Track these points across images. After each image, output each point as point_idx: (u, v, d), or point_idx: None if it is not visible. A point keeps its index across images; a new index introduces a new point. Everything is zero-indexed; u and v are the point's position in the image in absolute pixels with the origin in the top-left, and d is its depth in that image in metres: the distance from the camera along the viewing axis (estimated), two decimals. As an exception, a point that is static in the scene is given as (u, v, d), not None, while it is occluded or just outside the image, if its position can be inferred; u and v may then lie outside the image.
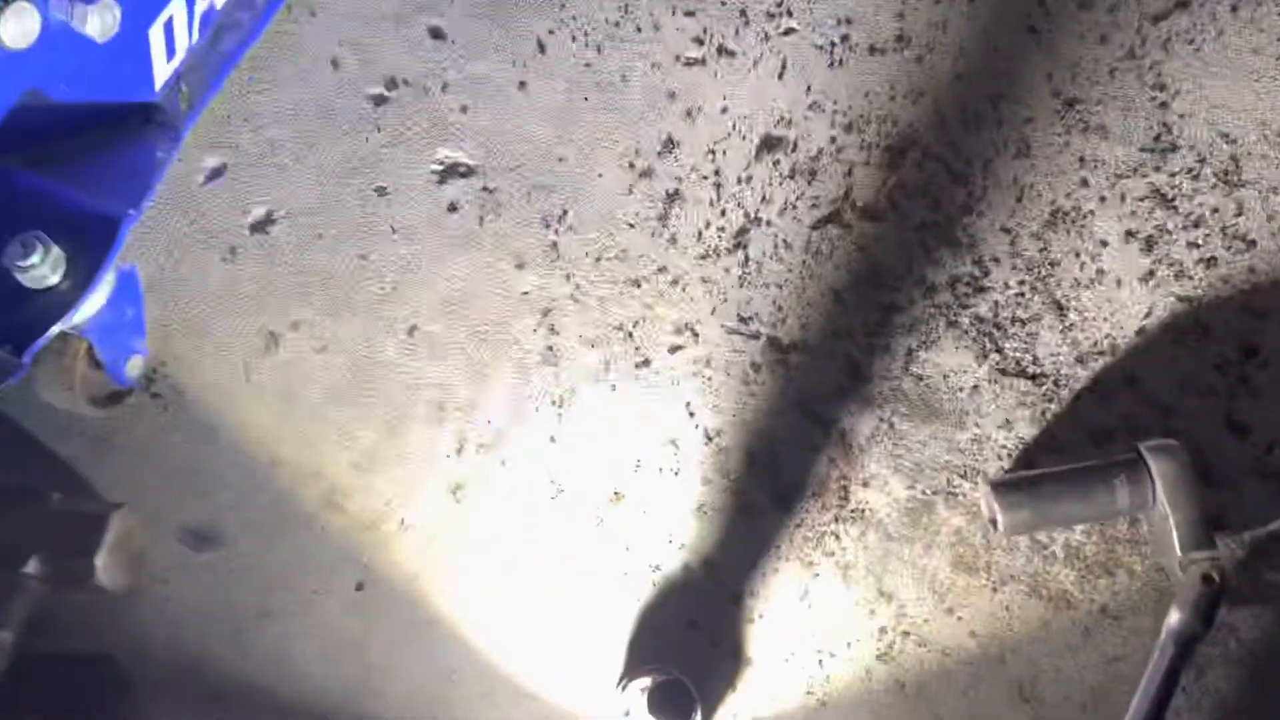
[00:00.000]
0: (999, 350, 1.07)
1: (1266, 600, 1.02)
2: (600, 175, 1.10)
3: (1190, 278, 1.05)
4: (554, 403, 1.09)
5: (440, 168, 1.11)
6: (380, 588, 1.09)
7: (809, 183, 1.08)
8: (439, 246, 1.11)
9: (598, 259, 1.10)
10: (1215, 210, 1.05)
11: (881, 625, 1.05)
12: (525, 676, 1.07)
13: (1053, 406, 1.07)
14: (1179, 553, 0.99)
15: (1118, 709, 1.02)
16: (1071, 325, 1.06)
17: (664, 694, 0.92)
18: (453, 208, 1.11)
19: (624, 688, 1.01)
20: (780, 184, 1.08)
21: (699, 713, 0.93)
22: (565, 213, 1.10)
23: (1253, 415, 1.04)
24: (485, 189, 1.11)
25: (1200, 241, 1.05)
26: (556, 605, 1.08)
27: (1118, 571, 1.04)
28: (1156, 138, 1.05)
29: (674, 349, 1.09)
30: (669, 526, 1.08)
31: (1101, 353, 1.06)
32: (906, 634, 1.05)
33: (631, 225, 1.10)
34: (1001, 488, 1.02)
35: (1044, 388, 1.07)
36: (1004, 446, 1.07)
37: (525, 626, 1.08)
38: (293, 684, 1.08)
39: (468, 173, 1.11)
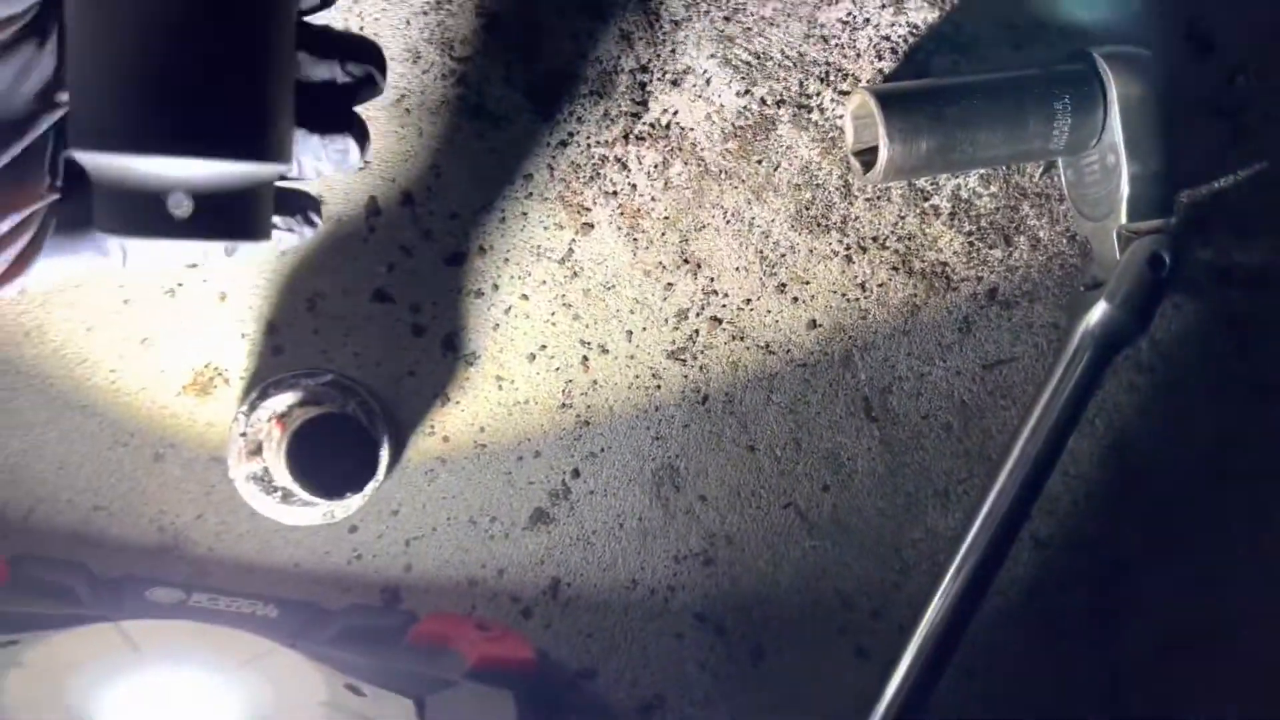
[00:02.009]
0: (902, -124, 0.66)
1: (1195, 288, 0.73)
2: None
3: None
4: None
5: None
6: None
7: None
8: None
9: None
10: None
11: (681, 307, 0.67)
12: (83, 383, 0.61)
13: (963, -18, 0.68)
14: (1123, 219, 0.67)
15: (993, 431, 0.71)
16: None
17: (315, 439, 0.49)
18: None
19: (249, 409, 0.58)
20: None
21: (384, 463, 0.51)
22: None
23: (1220, 26, 0.71)
24: None
25: None
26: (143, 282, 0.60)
27: (1017, 240, 0.71)
28: None
29: None
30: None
31: (1047, -100, 0.68)
32: (717, 321, 0.68)
33: None
34: (892, 103, 0.63)
35: (956, -51, 0.68)
36: (886, 38, 0.68)
37: (83, 301, 0.60)
38: None
39: None
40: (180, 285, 0.61)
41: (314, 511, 0.59)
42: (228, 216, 0.41)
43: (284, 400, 0.57)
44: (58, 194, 0.40)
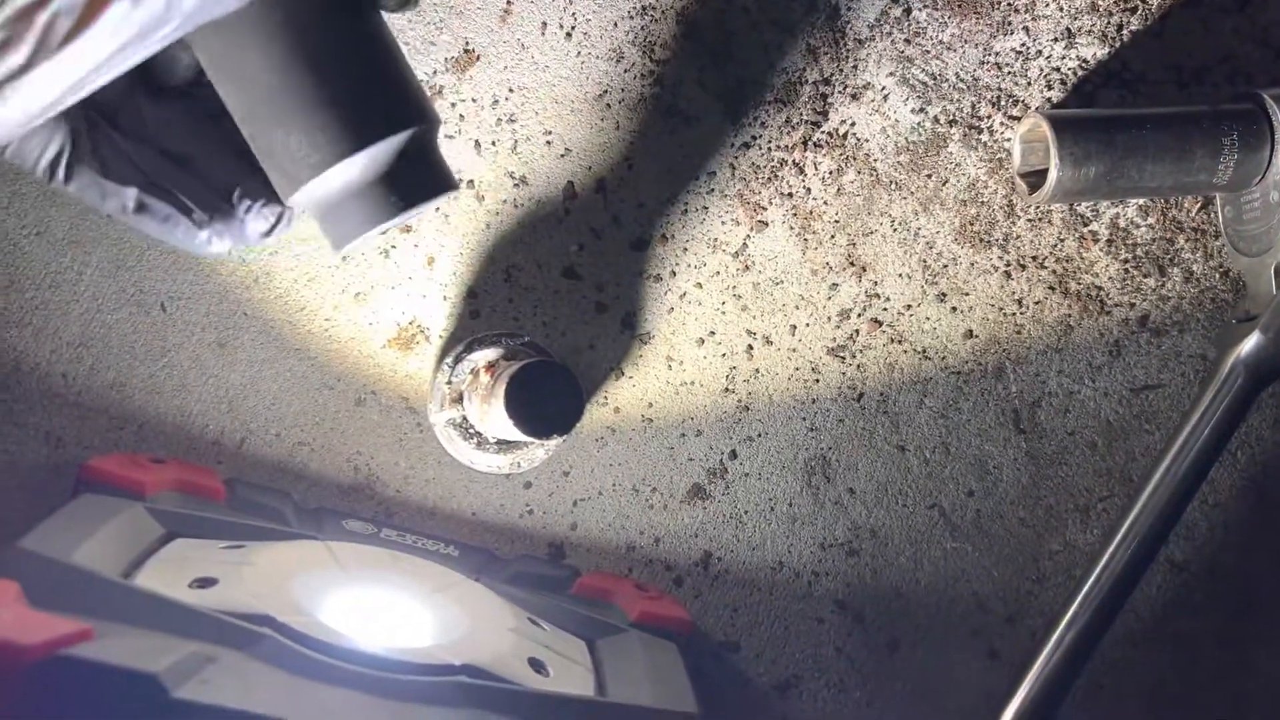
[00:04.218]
0: (1084, -82, 0.70)
1: (1345, 330, 0.74)
2: None
3: None
4: None
5: None
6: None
7: None
8: None
9: None
10: None
11: (844, 308, 0.71)
12: (300, 328, 0.67)
13: (1134, 21, 0.72)
14: (1280, 257, 0.69)
15: (1136, 453, 0.73)
16: (1192, -103, 0.70)
17: (530, 384, 0.54)
18: None
19: (455, 361, 0.63)
20: None
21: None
22: None
23: (1387, 76, 0.73)
24: None
25: None
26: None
27: (1171, 271, 0.73)
28: None
29: None
30: (547, 120, 0.68)
31: (1221, -51, 0.71)
32: (877, 323, 0.71)
33: None
34: (1064, 126, 0.67)
35: (1130, -11, 0.71)
36: (1056, 69, 0.71)
37: (307, 255, 0.66)
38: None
39: None
40: (394, 247, 0.66)
41: (503, 459, 0.63)
42: (422, 181, 0.46)
43: (487, 355, 0.62)
44: None
